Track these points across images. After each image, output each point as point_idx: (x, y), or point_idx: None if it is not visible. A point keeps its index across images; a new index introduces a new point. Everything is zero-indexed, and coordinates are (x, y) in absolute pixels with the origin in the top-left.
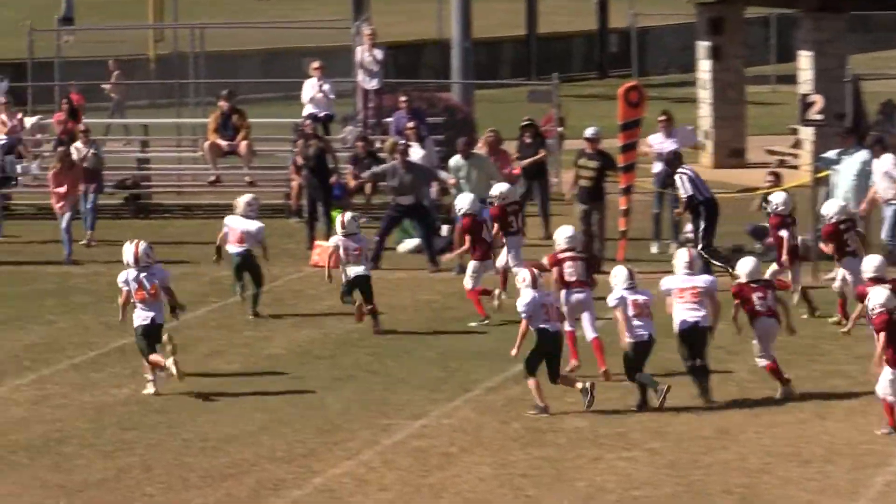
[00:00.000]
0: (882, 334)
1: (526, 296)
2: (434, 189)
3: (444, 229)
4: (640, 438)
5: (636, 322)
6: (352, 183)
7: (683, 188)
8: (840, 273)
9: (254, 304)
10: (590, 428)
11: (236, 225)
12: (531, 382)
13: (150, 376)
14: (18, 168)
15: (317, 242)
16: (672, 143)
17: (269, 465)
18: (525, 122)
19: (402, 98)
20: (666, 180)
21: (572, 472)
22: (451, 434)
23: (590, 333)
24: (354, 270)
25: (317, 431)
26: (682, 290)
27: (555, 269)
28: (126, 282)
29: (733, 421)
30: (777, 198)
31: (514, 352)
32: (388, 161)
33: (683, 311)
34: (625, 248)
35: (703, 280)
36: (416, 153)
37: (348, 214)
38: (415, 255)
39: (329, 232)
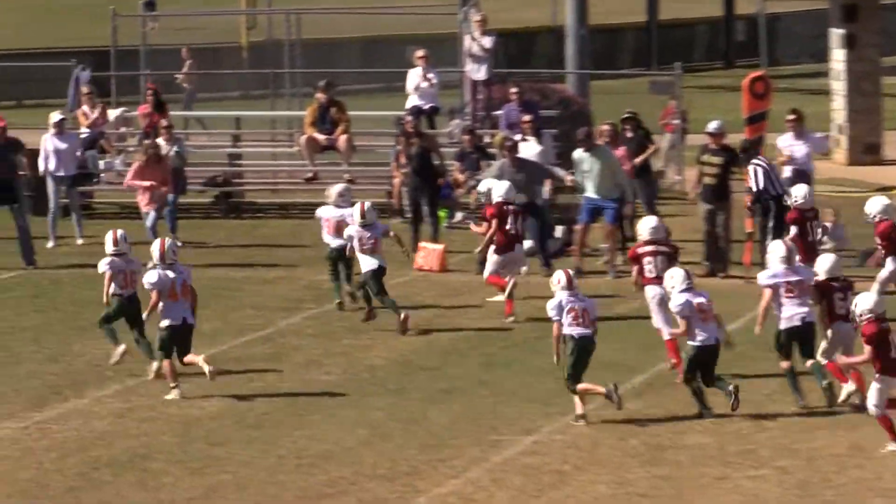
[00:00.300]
0: (870, 347)
1: (554, 298)
2: (547, 187)
3: (559, 230)
4: (768, 456)
5: (700, 325)
6: (459, 178)
7: (755, 181)
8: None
9: (350, 283)
10: (715, 445)
11: (331, 214)
12: (581, 387)
13: (173, 382)
14: (101, 164)
15: (421, 245)
16: (804, 146)
17: (370, 483)
18: (626, 115)
19: (513, 89)
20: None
21: (695, 492)
22: (564, 451)
23: (666, 333)
24: (368, 262)
25: (421, 448)
26: (789, 285)
27: (635, 266)
28: (157, 282)
29: (868, 436)
30: (798, 191)
31: (556, 360)
32: (497, 157)
33: (792, 307)
34: (751, 251)
35: (805, 273)
36: (532, 149)
37: (367, 203)
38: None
39: (436, 234)
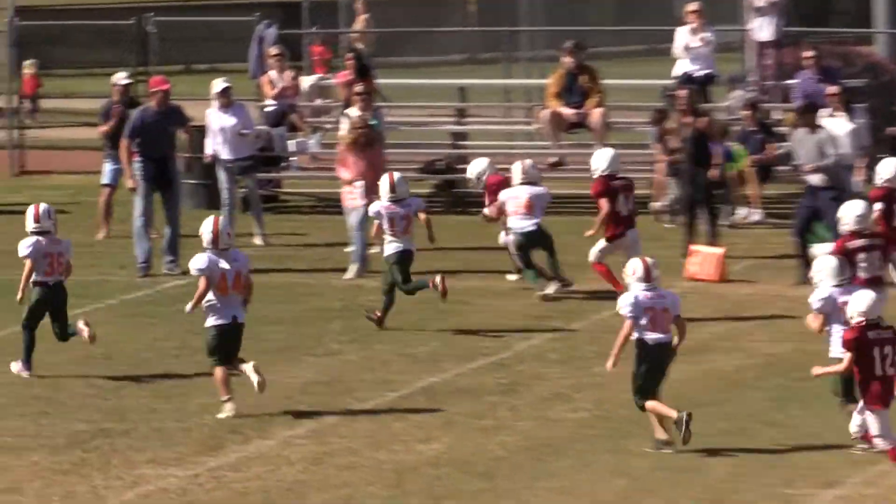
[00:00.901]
0: (849, 356)
1: (629, 294)
2: (859, 176)
3: None
4: None
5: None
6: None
7: None
8: None
9: (555, 269)
10: None
11: (520, 193)
12: (650, 405)
13: (225, 395)
14: (291, 145)
15: (694, 248)
16: None
17: None
18: None
19: (808, 53)
20: None
21: None
22: None
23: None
24: (395, 246)
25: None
26: None
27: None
28: (206, 268)
29: None
30: (885, 167)
31: (609, 364)
32: (789, 137)
33: None
34: None
35: None
36: (842, 126)
37: (398, 174)
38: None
39: (713, 235)
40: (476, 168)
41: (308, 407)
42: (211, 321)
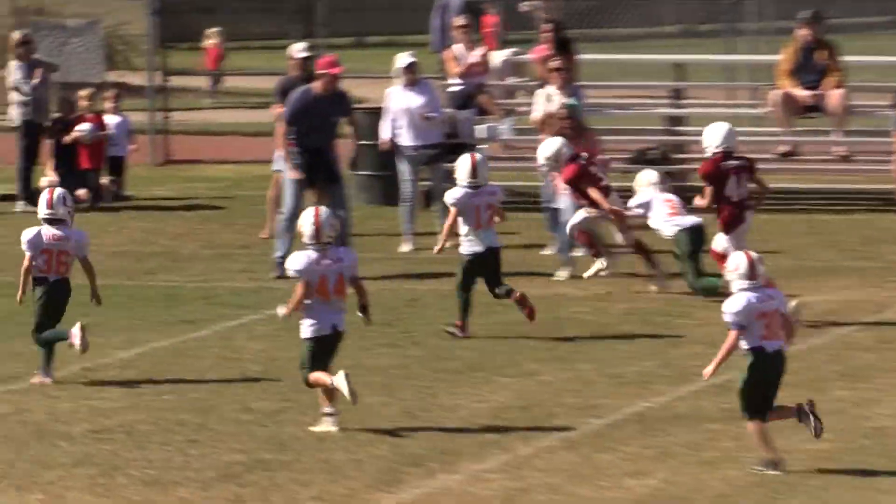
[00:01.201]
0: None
1: (738, 298)
2: None
3: None
4: None
5: None
6: None
7: None
8: None
9: (695, 275)
10: None
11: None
12: (752, 426)
13: (328, 407)
14: (480, 130)
15: None
16: None
17: None
18: None
19: None
20: None
21: None
22: None
23: None
24: (472, 243)
25: None
26: None
27: None
28: (304, 270)
29: None
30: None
31: (706, 372)
32: None
33: None
34: None
35: None
36: None
37: (479, 156)
38: None
39: None
40: (548, 150)
41: (500, 436)
42: (307, 331)
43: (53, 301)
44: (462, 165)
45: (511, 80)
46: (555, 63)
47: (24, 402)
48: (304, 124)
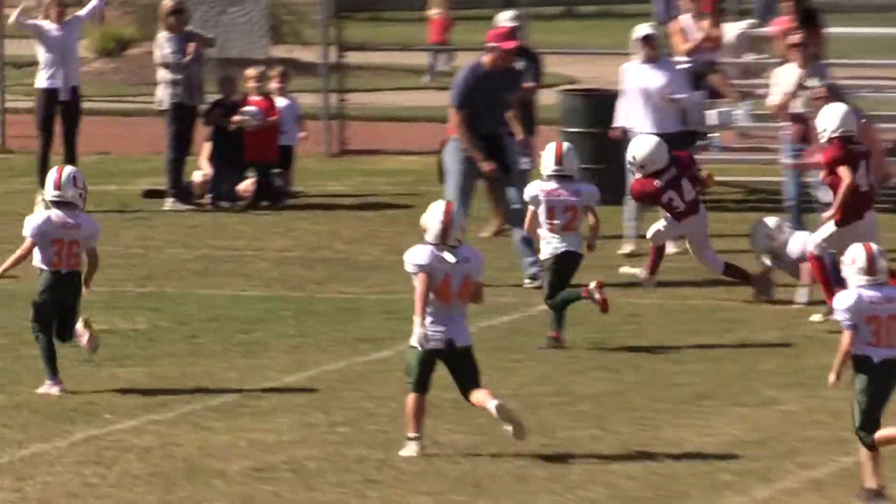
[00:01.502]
0: None
1: (850, 293)
2: None
3: None
4: None
5: None
6: None
7: None
8: None
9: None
10: None
11: None
12: (883, 434)
13: (413, 432)
14: (711, 116)
15: None
16: None
17: None
18: None
19: None
20: None
21: None
22: None
23: None
24: (553, 246)
25: None
26: None
27: None
28: (427, 264)
29: None
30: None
31: (831, 379)
32: None
33: None
34: None
35: None
36: None
37: (567, 144)
38: None
39: None
40: (641, 149)
41: (733, 476)
42: (423, 340)
43: (62, 297)
44: (548, 154)
45: (748, 58)
46: (796, 37)
47: (173, 435)
48: (475, 106)
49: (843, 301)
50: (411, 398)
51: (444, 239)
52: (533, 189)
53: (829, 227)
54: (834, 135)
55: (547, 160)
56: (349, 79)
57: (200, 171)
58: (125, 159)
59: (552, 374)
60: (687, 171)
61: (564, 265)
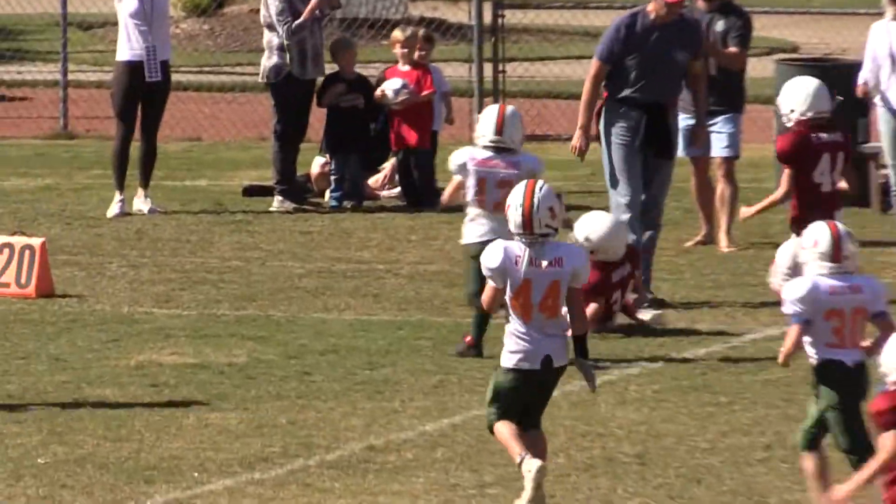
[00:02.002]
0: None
1: (803, 282)
2: None
3: None
4: None
5: None
6: None
7: None
8: None
9: None
10: None
11: None
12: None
13: (519, 452)
14: None
15: None
16: None
17: None
18: None
19: None
20: None
21: None
22: None
23: None
24: (480, 229)
25: None
26: None
27: None
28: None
29: None
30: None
31: (781, 359)
32: None
33: None
34: None
35: None
36: None
37: (511, 108)
38: None
39: None
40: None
41: None
42: (511, 359)
43: None
44: (485, 119)
45: None
46: None
47: (279, 499)
48: (626, 65)
49: (795, 290)
50: (500, 427)
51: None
52: (461, 156)
53: (788, 246)
54: (802, 117)
55: (485, 127)
56: (508, 45)
57: (317, 161)
58: (220, 146)
59: (763, 421)
60: None
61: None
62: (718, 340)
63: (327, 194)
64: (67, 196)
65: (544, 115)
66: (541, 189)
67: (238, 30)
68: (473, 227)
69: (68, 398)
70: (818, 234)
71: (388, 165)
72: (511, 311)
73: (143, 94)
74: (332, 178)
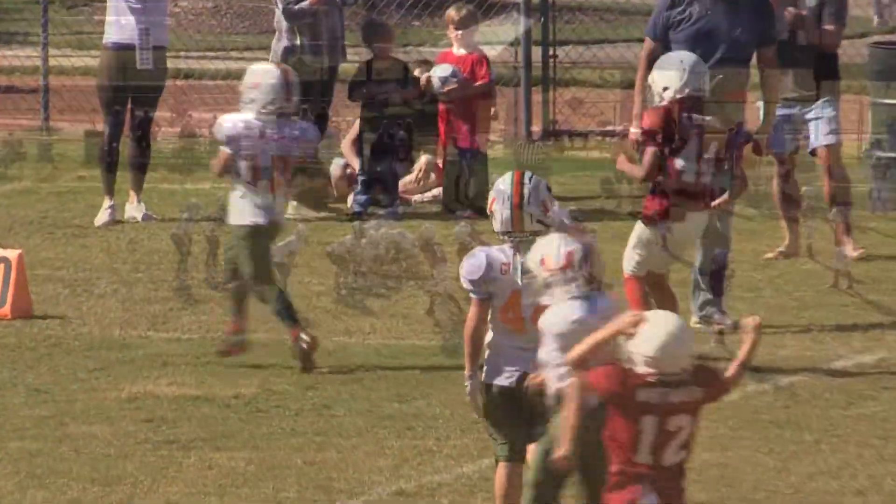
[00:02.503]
0: None
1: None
2: None
3: None
4: None
5: None
6: None
7: None
8: None
9: None
10: None
11: None
12: None
13: None
14: None
15: None
16: None
17: None
18: None
19: None
20: None
21: None
22: None
23: None
24: (251, 212)
25: None
26: None
27: None
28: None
29: None
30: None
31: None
32: None
33: None
34: None
35: None
36: None
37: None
38: None
39: None
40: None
41: None
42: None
43: None
44: (265, 78)
45: None
46: None
47: None
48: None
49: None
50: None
51: (516, 225)
52: (227, 123)
53: (638, 229)
54: (678, 95)
55: (261, 91)
56: (560, 26)
57: (336, 162)
58: None
59: (855, 463)
60: None
61: (262, 235)
62: (804, 369)
63: (349, 199)
64: (48, 201)
65: (603, 109)
66: (530, 180)
67: (247, 8)
68: (242, 206)
69: (50, 435)
70: None
71: (422, 163)
72: (497, 325)
73: (133, 85)
74: (360, 179)
